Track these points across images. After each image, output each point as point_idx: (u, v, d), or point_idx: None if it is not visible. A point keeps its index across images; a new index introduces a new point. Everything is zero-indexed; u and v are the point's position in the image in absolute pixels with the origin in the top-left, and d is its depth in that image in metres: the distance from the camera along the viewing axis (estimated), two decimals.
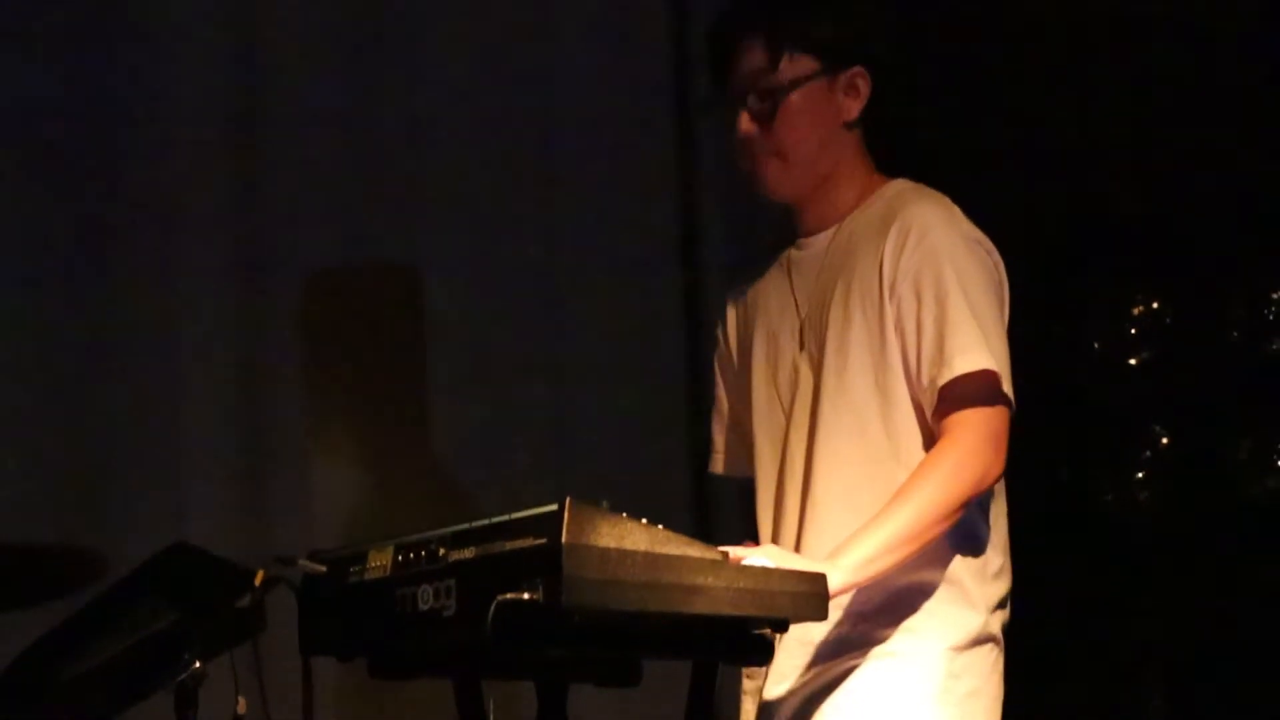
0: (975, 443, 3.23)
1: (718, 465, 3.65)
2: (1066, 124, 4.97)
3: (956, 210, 3.38)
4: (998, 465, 3.26)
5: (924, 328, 3.27)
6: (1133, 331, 5.00)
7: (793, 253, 3.49)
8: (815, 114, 3.38)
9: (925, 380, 3.27)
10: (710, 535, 3.56)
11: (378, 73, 4.73)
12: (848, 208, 3.44)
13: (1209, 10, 4.84)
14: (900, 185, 3.45)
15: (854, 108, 3.40)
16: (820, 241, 3.45)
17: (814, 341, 3.40)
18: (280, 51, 4.62)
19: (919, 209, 3.35)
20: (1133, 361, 5.01)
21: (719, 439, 3.63)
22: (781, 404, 3.43)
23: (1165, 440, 4.97)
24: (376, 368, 4.67)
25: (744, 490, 3.58)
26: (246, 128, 4.60)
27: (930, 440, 3.29)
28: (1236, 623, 4.79)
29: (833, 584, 3.05)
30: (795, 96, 3.37)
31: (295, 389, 4.58)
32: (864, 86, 3.40)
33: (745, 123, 3.39)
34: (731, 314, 3.60)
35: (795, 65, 3.36)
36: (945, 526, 3.22)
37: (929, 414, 3.28)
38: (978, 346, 3.24)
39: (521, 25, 4.91)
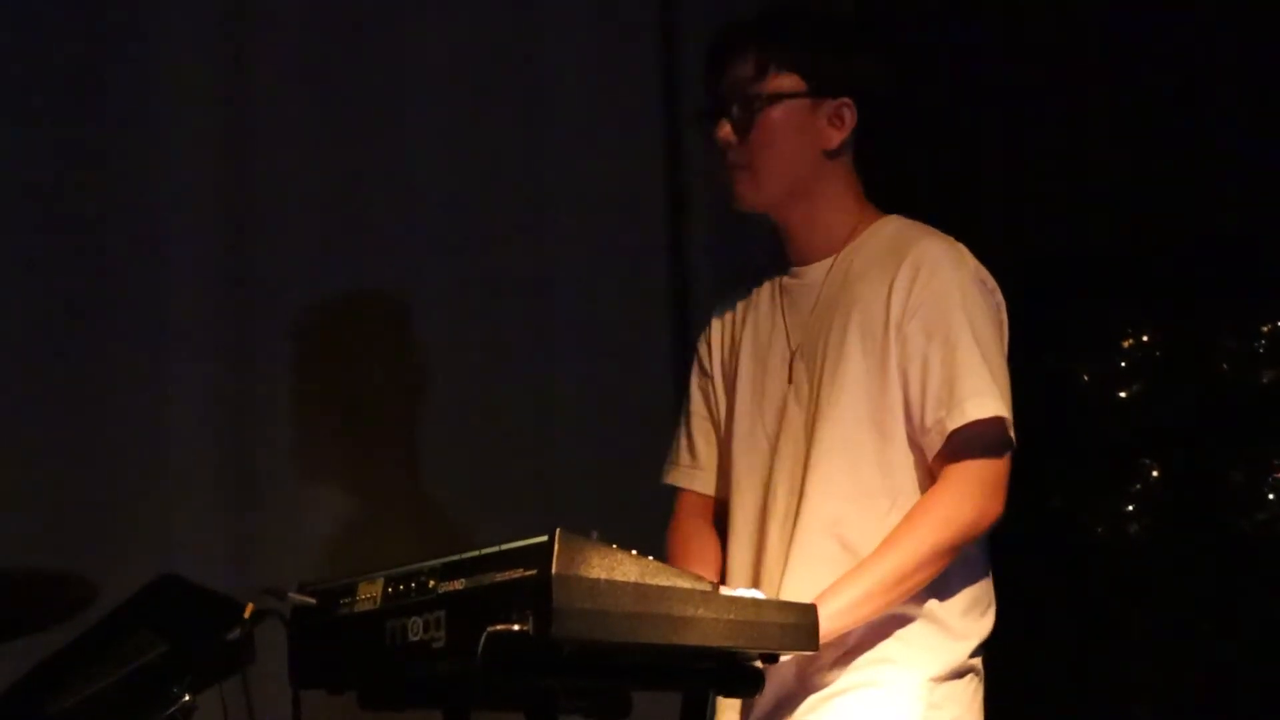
0: (972, 489, 3.24)
1: (673, 476, 3.61)
2: (1056, 155, 4.97)
3: (965, 250, 3.38)
4: (993, 511, 3.26)
5: (931, 368, 3.26)
6: (1122, 364, 5.00)
7: (785, 280, 3.48)
8: (792, 133, 3.38)
9: (930, 421, 3.26)
10: None
11: (364, 96, 4.74)
12: (841, 240, 3.43)
13: (1199, 42, 4.85)
14: (900, 222, 3.44)
15: (835, 137, 3.40)
16: (815, 273, 3.44)
17: (806, 375, 3.39)
18: (267, 70, 4.64)
19: (929, 247, 3.35)
20: (1123, 394, 5.01)
21: (683, 451, 3.60)
22: (766, 435, 3.42)
23: (1155, 473, 4.97)
24: (365, 400, 4.67)
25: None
26: (234, 160, 4.61)
27: (926, 479, 3.30)
28: (1227, 656, 4.79)
29: None
30: (774, 111, 3.37)
31: (284, 421, 4.58)
32: (849, 118, 3.40)
33: (724, 130, 3.40)
34: (716, 334, 3.57)
35: (780, 80, 3.38)
36: (934, 571, 3.23)
37: (929, 455, 3.28)
38: (989, 392, 3.24)
39: (511, 44, 4.92)
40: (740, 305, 3.54)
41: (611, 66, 4.98)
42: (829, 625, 3.11)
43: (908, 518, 3.24)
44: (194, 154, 4.56)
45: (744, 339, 3.50)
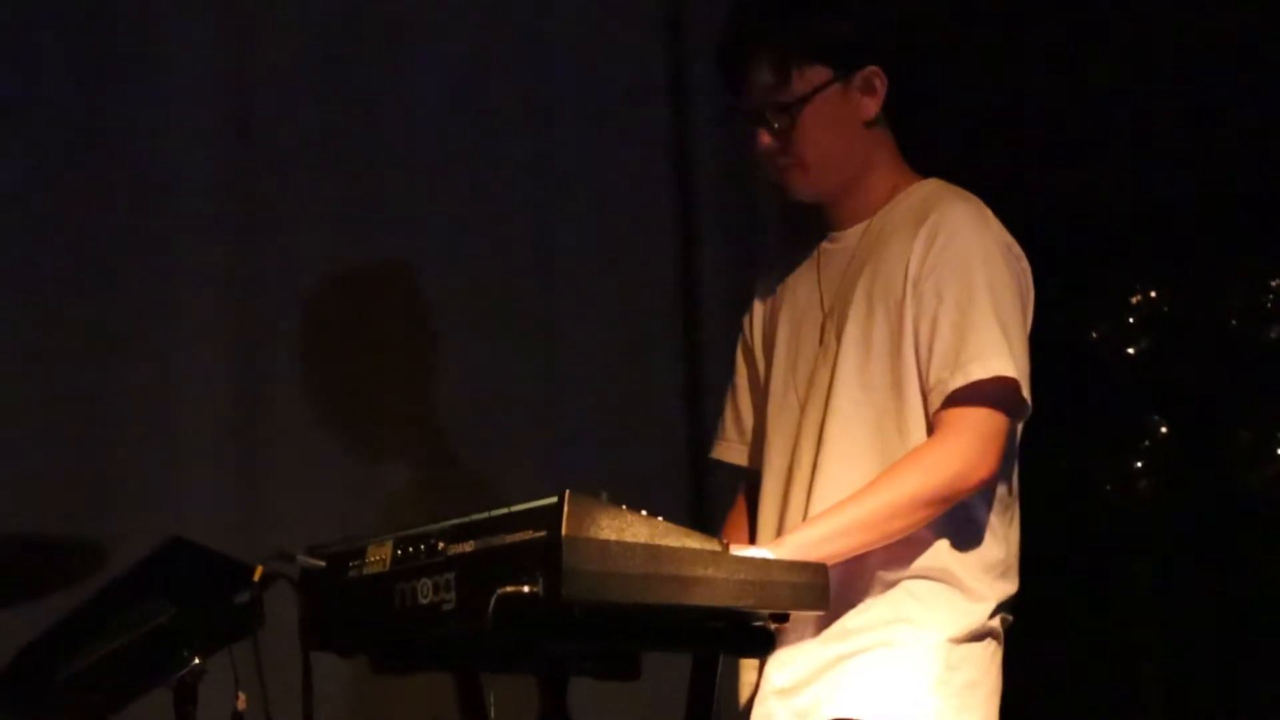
0: (962, 443, 3.22)
1: (720, 451, 3.62)
2: (1064, 113, 4.96)
3: (989, 213, 3.36)
4: (983, 468, 3.23)
5: (940, 329, 3.25)
6: (1131, 321, 5.00)
7: (824, 245, 3.47)
8: (834, 121, 3.36)
9: (934, 380, 3.25)
10: (709, 526, 3.56)
11: (370, 72, 4.73)
12: (879, 203, 3.41)
13: (1209, 5, 4.84)
14: (934, 184, 3.42)
15: (872, 106, 3.38)
16: (851, 236, 3.43)
17: (834, 336, 3.38)
18: (274, 58, 4.63)
19: (952, 209, 3.33)
20: (1131, 351, 5.00)
21: (729, 425, 3.61)
22: (798, 397, 3.41)
23: (1164, 430, 4.97)
24: (373, 363, 4.67)
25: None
26: (242, 136, 4.61)
27: None
28: (1236, 613, 4.79)
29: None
30: (811, 109, 3.34)
31: (293, 384, 4.58)
32: (880, 84, 3.38)
33: (764, 139, 3.37)
34: (759, 302, 3.57)
35: (806, 77, 3.34)
36: (915, 520, 3.21)
37: (931, 414, 3.27)
38: (997, 353, 3.22)
39: (516, 24, 4.91)
40: (781, 274, 3.53)
41: (618, 37, 4.98)
42: (793, 557, 3.09)
43: (894, 464, 3.24)
44: (200, 131, 4.57)
45: (783, 306, 3.50)
